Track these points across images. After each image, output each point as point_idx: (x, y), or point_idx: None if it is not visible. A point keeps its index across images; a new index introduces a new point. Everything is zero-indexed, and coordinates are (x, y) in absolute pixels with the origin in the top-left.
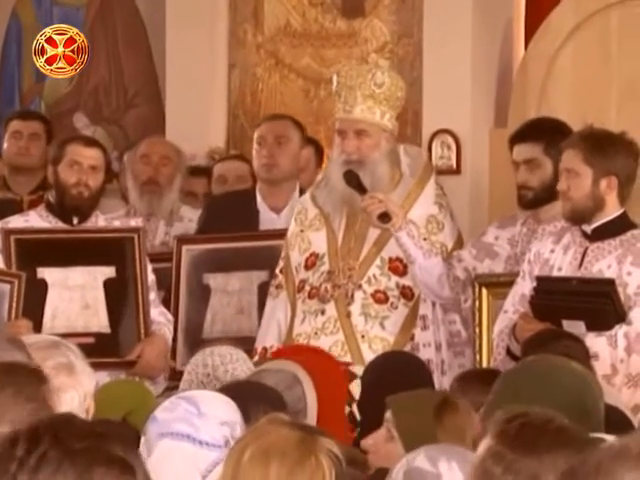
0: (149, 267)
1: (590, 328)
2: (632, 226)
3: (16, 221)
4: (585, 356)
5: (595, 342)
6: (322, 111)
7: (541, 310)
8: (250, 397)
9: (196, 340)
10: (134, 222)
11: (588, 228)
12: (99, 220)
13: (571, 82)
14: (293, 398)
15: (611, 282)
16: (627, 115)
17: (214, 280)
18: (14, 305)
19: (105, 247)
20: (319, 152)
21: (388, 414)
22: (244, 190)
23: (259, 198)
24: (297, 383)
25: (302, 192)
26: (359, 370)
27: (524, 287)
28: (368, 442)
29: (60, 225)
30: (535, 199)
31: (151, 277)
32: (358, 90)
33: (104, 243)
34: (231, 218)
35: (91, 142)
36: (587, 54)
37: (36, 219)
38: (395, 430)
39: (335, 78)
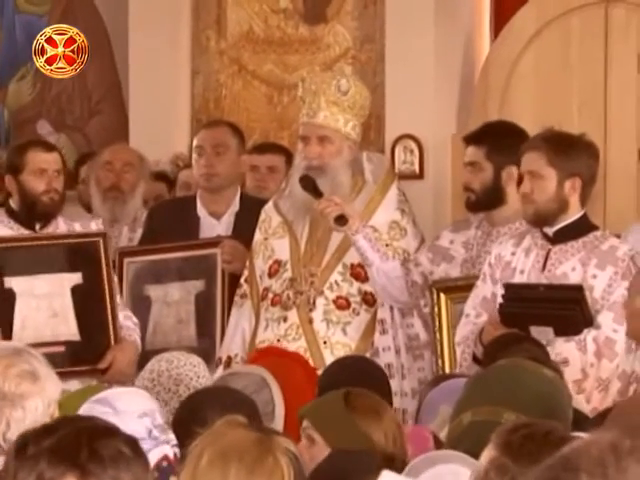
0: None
1: (559, 333)
2: (593, 228)
3: None
4: (546, 359)
5: (565, 347)
6: (285, 117)
7: (509, 318)
8: (207, 402)
9: (140, 352)
10: (94, 224)
11: (550, 230)
12: (59, 223)
13: (532, 86)
14: (261, 401)
15: (579, 288)
16: (588, 118)
17: (154, 291)
18: None
19: (70, 253)
20: (289, 160)
21: (305, 423)
22: (185, 197)
23: (199, 204)
24: (265, 386)
25: (243, 197)
26: None
27: (485, 290)
28: None
29: (23, 231)
30: (477, 202)
31: (114, 280)
32: (322, 96)
33: (69, 249)
34: (172, 225)
35: (49, 146)
36: (548, 59)
37: None
38: (315, 431)
39: (300, 84)
